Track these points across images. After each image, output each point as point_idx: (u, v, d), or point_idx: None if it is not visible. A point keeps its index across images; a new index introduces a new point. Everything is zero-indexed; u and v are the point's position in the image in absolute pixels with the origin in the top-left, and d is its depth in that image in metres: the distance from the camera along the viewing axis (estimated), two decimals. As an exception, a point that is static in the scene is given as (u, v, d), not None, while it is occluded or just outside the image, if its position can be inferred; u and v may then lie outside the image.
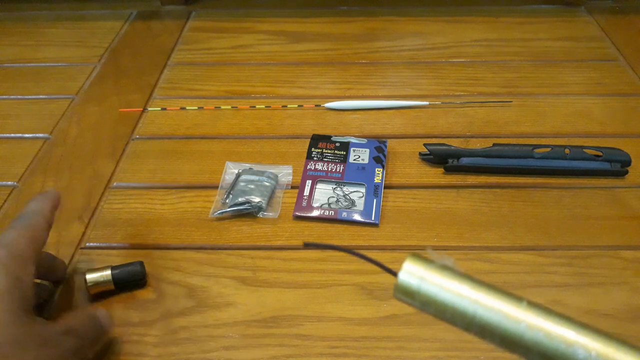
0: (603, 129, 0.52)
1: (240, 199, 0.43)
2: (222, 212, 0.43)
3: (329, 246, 0.27)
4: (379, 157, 0.47)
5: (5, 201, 0.46)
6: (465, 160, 0.46)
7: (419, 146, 0.49)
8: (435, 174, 0.47)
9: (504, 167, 0.46)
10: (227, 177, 0.47)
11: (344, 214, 0.42)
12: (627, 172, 0.46)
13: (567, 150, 0.46)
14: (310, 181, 0.45)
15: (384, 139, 0.49)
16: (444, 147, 0.47)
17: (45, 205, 0.36)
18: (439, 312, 0.22)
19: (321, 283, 0.39)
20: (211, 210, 0.44)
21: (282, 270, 0.40)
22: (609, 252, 0.40)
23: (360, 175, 0.46)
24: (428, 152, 0.47)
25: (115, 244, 0.42)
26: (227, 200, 0.44)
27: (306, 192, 0.45)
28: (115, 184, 0.48)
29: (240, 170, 0.46)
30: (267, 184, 0.45)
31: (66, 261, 0.41)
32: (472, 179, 0.46)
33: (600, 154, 0.46)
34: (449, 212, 0.44)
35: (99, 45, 0.67)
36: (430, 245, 0.41)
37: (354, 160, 0.47)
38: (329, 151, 0.48)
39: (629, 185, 0.46)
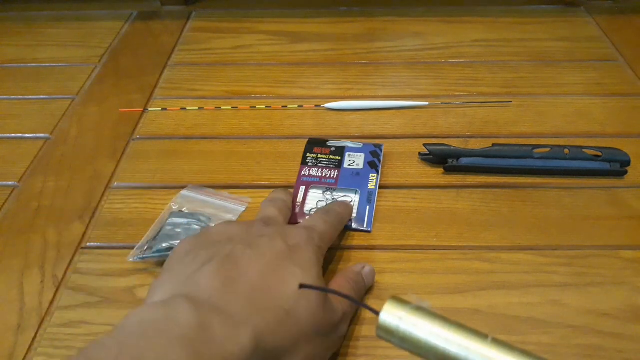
0: (603, 129, 0.52)
1: (164, 245, 0.39)
2: (143, 258, 0.39)
3: (326, 289, 0.31)
4: (374, 162, 0.46)
5: (5, 201, 0.46)
6: (464, 161, 0.46)
7: (418, 146, 0.49)
8: (435, 174, 0.47)
9: (504, 167, 0.46)
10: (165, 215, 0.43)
11: None
12: (626, 172, 0.46)
13: (566, 151, 0.46)
14: (304, 187, 0.45)
15: (379, 143, 0.49)
16: (444, 147, 0.47)
17: (347, 216, 0.41)
18: (415, 348, 0.25)
19: (321, 283, 0.39)
20: (131, 253, 0.40)
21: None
22: (608, 252, 0.40)
23: (355, 181, 0.45)
24: (428, 152, 0.47)
25: (115, 244, 0.42)
26: (152, 245, 0.40)
27: (299, 198, 0.44)
28: (115, 184, 0.48)
29: (170, 212, 0.43)
30: (196, 227, 0.41)
31: (66, 261, 0.41)
32: (471, 179, 0.46)
33: (600, 154, 0.46)
34: (449, 212, 0.44)
35: (99, 45, 0.67)
36: (429, 245, 0.41)
37: (349, 165, 0.46)
38: (324, 156, 0.47)
39: (629, 185, 0.46)
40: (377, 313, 0.26)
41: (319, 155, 0.47)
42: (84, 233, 0.43)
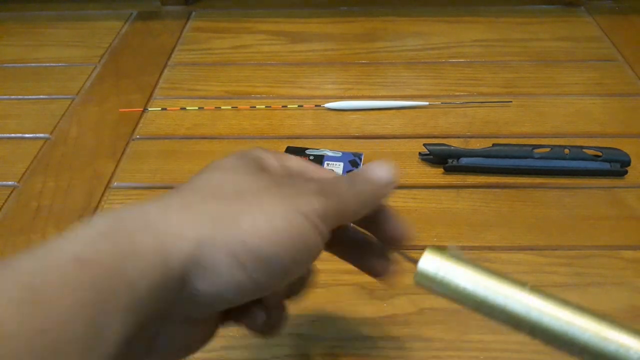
0: (603, 129, 0.52)
1: None
2: None
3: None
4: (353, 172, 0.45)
5: (5, 201, 0.46)
6: (465, 161, 0.46)
7: (419, 146, 0.49)
8: (435, 174, 0.47)
9: (504, 167, 0.46)
10: None
11: None
12: (626, 172, 0.46)
13: (566, 151, 0.46)
14: None
15: (359, 152, 0.48)
16: (444, 147, 0.47)
17: (386, 191, 0.28)
18: (454, 294, 0.25)
19: (321, 283, 0.38)
20: None
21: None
22: (609, 252, 0.40)
23: None
24: (428, 152, 0.47)
25: (115, 244, 0.42)
26: None
27: None
28: (115, 184, 0.48)
29: None
30: None
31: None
32: (472, 179, 0.46)
33: (600, 154, 0.46)
34: (449, 212, 0.44)
35: (99, 45, 0.67)
36: (429, 245, 0.41)
37: None
38: None
39: (629, 185, 0.46)
40: (415, 262, 0.26)
41: None
42: (84, 233, 0.43)
